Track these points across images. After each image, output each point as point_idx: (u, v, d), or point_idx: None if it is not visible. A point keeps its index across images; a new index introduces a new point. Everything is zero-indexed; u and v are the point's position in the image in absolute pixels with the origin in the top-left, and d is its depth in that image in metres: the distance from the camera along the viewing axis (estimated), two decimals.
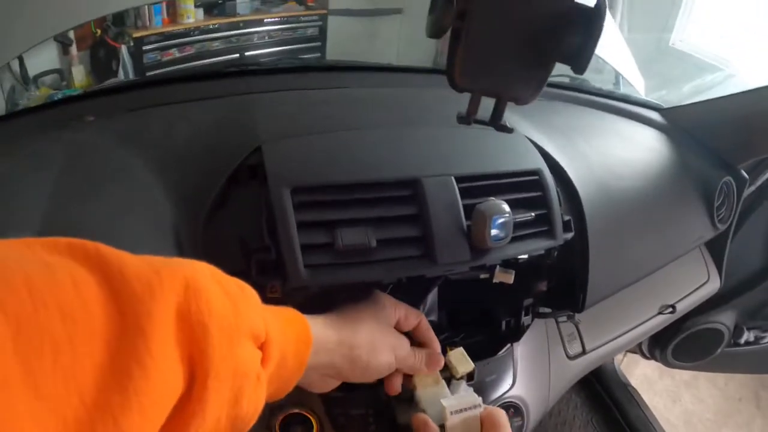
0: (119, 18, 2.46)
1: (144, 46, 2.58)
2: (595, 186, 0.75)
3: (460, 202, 0.57)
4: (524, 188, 0.63)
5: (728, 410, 2.32)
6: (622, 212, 0.79)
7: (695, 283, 1.14)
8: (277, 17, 2.85)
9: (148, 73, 2.58)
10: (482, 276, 0.65)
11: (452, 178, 0.58)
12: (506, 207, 0.55)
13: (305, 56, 2.87)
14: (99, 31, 2.40)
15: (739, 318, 1.40)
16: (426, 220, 0.55)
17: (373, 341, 0.52)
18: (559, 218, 0.64)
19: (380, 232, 0.54)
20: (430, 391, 0.57)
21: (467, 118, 0.44)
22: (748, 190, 1.21)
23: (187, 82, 0.76)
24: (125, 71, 2.50)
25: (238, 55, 2.74)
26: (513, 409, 0.70)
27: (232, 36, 2.76)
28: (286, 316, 0.44)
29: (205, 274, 0.34)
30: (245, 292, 0.39)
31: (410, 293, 0.60)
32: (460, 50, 0.39)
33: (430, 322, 0.61)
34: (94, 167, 0.59)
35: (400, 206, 0.56)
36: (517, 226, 0.59)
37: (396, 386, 0.57)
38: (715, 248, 1.17)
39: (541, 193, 0.64)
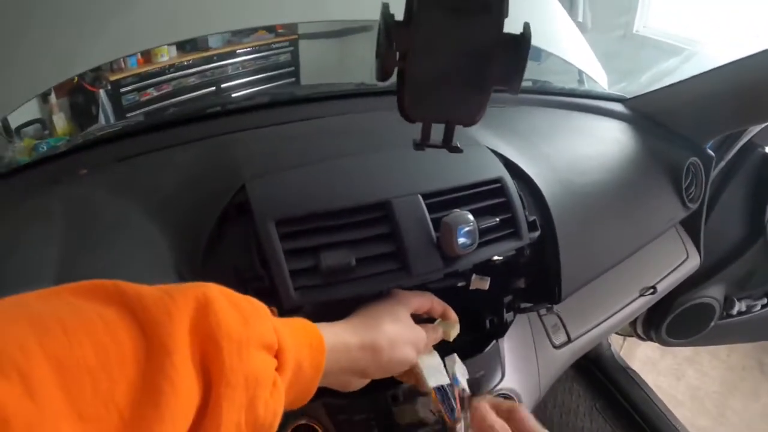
0: None
1: (121, 89, 2.61)
2: (559, 184, 0.80)
3: (428, 217, 0.62)
4: (488, 196, 0.68)
5: (733, 380, 2.34)
6: (589, 205, 0.84)
7: (674, 262, 1.18)
8: (249, 47, 2.90)
9: (129, 115, 2.60)
10: (459, 284, 0.71)
11: (419, 196, 0.63)
12: (470, 216, 0.60)
13: (280, 83, 2.92)
14: (76, 78, 2.42)
15: (729, 290, 1.42)
16: (398, 236, 0.61)
17: (394, 339, 0.55)
18: (524, 220, 0.69)
19: (359, 251, 0.59)
20: (428, 360, 0.62)
21: (421, 145, 0.49)
22: (719, 167, 1.25)
23: (169, 128, 0.80)
24: (105, 115, 2.51)
25: (214, 88, 2.78)
26: (505, 399, 0.74)
27: (206, 70, 2.80)
28: (297, 325, 0.47)
29: (214, 292, 0.37)
30: (255, 306, 0.42)
31: None
32: (406, 86, 0.44)
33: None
34: (94, 219, 0.63)
35: (374, 227, 0.61)
36: (484, 231, 0.64)
37: None
38: (691, 226, 1.21)
39: (504, 198, 0.69)
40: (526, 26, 0.42)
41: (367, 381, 0.57)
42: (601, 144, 1.00)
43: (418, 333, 0.60)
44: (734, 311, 1.45)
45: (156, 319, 0.32)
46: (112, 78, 2.57)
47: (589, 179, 0.87)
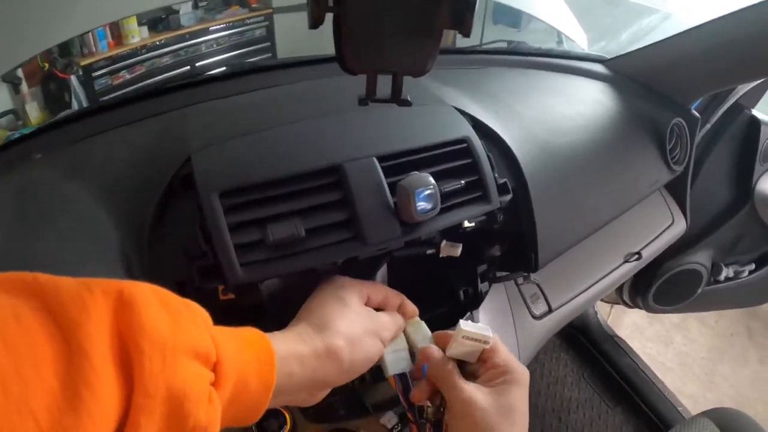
0: (65, 48, 2.43)
1: (93, 73, 2.53)
2: (534, 145, 0.76)
3: (384, 181, 0.57)
4: (453, 157, 0.63)
5: (721, 346, 2.36)
6: (567, 167, 0.80)
7: (660, 227, 1.15)
8: (223, 23, 2.83)
9: (102, 99, 2.55)
10: (429, 252, 0.66)
11: (374, 158, 0.58)
12: (430, 179, 0.55)
13: (256, 58, 2.86)
14: (47, 65, 2.36)
15: (716, 255, 1.42)
16: (351, 203, 0.56)
17: (351, 336, 0.49)
18: (493, 182, 0.64)
19: (309, 221, 0.54)
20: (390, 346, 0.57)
21: (366, 100, 0.44)
22: (704, 129, 1.23)
23: (125, 105, 0.76)
24: (78, 101, 2.47)
25: (188, 67, 2.71)
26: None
27: (179, 49, 2.73)
28: (245, 337, 0.42)
29: (142, 290, 0.34)
30: (192, 311, 0.38)
31: (357, 275, 0.60)
32: (343, 35, 0.39)
33: None
34: (43, 203, 0.59)
35: (325, 194, 0.56)
36: (447, 195, 0.60)
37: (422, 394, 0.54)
38: (677, 190, 1.19)
39: (471, 160, 0.64)
40: None
41: (327, 392, 0.51)
42: (580, 104, 0.95)
43: (379, 319, 0.54)
44: (722, 277, 1.45)
45: (72, 316, 0.30)
46: (83, 63, 2.49)
47: (567, 140, 0.83)
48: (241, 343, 0.41)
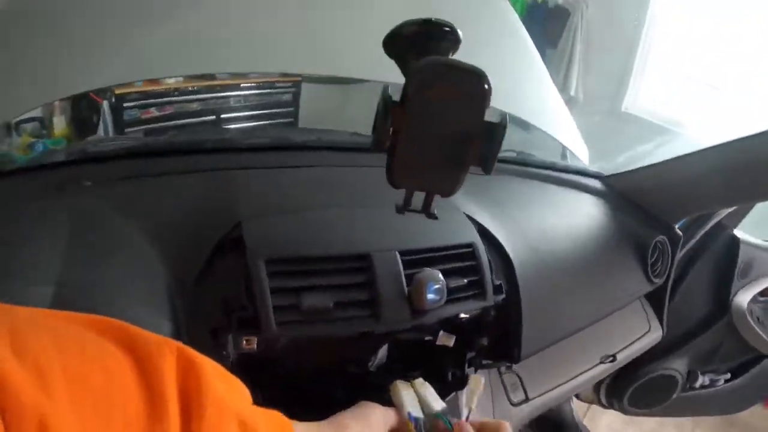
0: None
1: (125, 103, 2.63)
2: (528, 251, 0.87)
3: (403, 272, 0.69)
4: (459, 259, 0.75)
5: None
6: (555, 273, 0.90)
7: (636, 333, 1.22)
8: (254, 82, 2.98)
9: (128, 130, 2.61)
10: (427, 338, 0.76)
11: (396, 252, 0.70)
12: (440, 276, 0.67)
13: (277, 121, 3.00)
14: None
15: (692, 363, 1.46)
16: (374, 286, 0.67)
17: None
18: (490, 283, 0.75)
19: (337, 295, 0.65)
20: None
21: (402, 209, 0.55)
22: (688, 245, 1.30)
23: (173, 154, 0.86)
24: (105, 126, 2.53)
25: (214, 117, 2.83)
26: None
27: (209, 98, 2.86)
28: (275, 420, 0.47)
29: (206, 360, 0.39)
30: (239, 385, 0.43)
31: (364, 348, 0.71)
32: (395, 158, 0.50)
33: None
34: (98, 235, 0.67)
35: (353, 275, 0.68)
36: (452, 290, 0.71)
37: None
38: (656, 300, 1.27)
39: (474, 262, 0.75)
40: (503, 117, 0.48)
41: None
42: (573, 217, 1.06)
43: None
44: (697, 384, 1.48)
45: (155, 363, 0.35)
46: (118, 92, 2.58)
47: (558, 248, 0.94)
48: (272, 422, 0.46)
